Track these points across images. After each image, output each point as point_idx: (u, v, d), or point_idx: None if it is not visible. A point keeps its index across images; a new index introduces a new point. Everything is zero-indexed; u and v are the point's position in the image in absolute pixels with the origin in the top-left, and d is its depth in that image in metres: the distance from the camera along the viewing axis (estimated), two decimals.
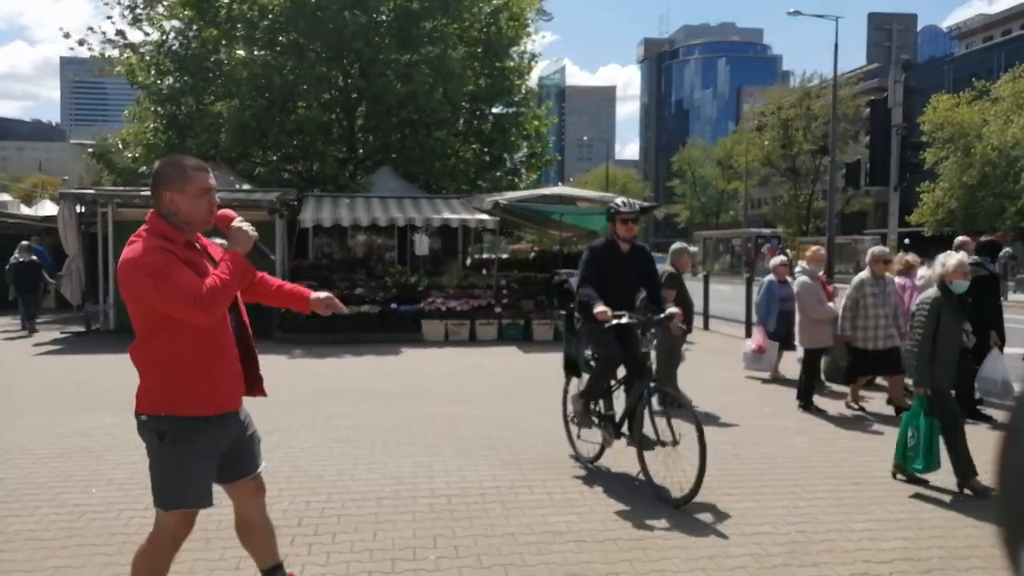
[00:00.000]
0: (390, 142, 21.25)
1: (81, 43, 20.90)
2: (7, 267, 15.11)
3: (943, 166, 36.10)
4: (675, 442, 4.98)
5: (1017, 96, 33.65)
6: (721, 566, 3.98)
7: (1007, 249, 26.29)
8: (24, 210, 23.11)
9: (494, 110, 22.98)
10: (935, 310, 5.24)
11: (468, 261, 19.21)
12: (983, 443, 5.35)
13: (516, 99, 22.63)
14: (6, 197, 25.65)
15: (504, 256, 23.82)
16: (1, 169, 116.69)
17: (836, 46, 30.92)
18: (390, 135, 21.04)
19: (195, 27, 20.17)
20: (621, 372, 5.63)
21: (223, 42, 19.93)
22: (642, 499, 4.99)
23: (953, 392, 5.45)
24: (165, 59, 20.10)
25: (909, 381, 8.05)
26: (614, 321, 5.11)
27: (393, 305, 13.79)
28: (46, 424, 7.01)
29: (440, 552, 4.12)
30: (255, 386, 3.28)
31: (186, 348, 2.86)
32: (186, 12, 19.89)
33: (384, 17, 20.17)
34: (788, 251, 27.76)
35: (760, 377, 9.70)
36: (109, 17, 20.85)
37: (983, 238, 8.44)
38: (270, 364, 10.98)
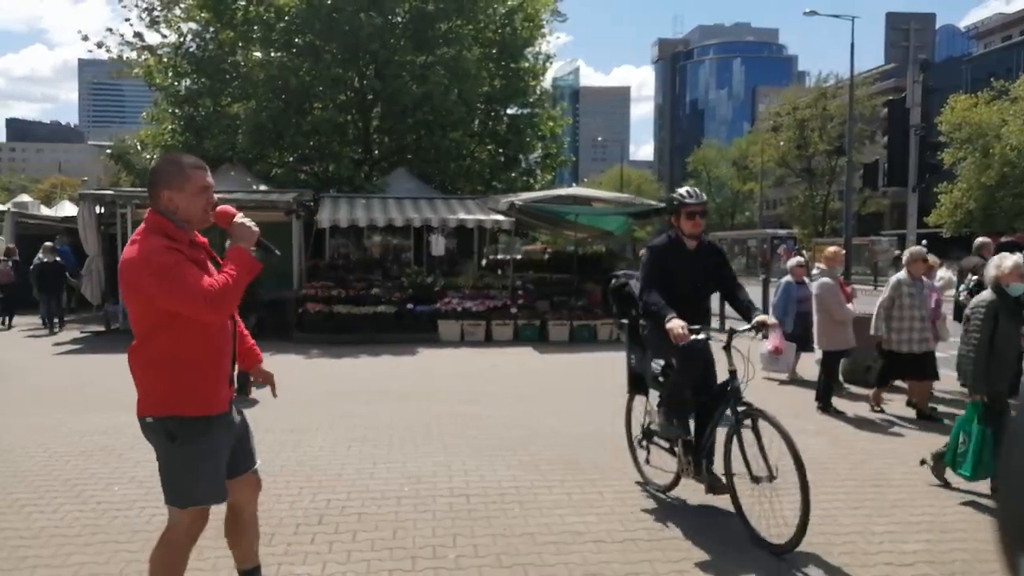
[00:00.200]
0: (406, 143, 21.30)
1: (99, 45, 21.10)
2: (31, 267, 15.31)
3: (961, 167, 35.81)
4: (771, 476, 4.20)
5: None
6: (741, 567, 3.97)
7: None
8: (44, 211, 23.35)
9: (509, 111, 23.01)
10: (991, 313, 5.09)
11: (483, 262, 19.22)
12: None
13: (531, 100, 22.65)
14: (26, 198, 25.93)
15: (519, 257, 23.81)
16: (21, 170, 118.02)
17: (852, 46, 30.73)
18: (406, 136, 21.10)
19: (212, 29, 20.30)
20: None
21: (240, 44, 20.07)
22: (661, 501, 4.99)
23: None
24: (182, 61, 20.26)
25: (946, 386, 8.02)
26: (692, 338, 4.35)
27: (409, 305, 13.84)
28: (66, 422, 7.08)
29: (460, 551, 4.13)
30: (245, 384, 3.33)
31: (192, 347, 2.86)
32: (203, 14, 20.03)
33: (399, 19, 20.24)
34: (804, 252, 27.63)
35: (777, 378, 9.66)
36: (127, 19, 20.99)
37: (1003, 239, 8.37)
38: (288, 364, 11.16)
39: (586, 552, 4.13)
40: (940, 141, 35.34)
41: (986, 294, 5.27)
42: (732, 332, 4.58)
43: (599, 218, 17.38)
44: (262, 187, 17.11)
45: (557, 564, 3.97)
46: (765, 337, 5.12)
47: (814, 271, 8.41)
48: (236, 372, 8.13)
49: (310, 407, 7.85)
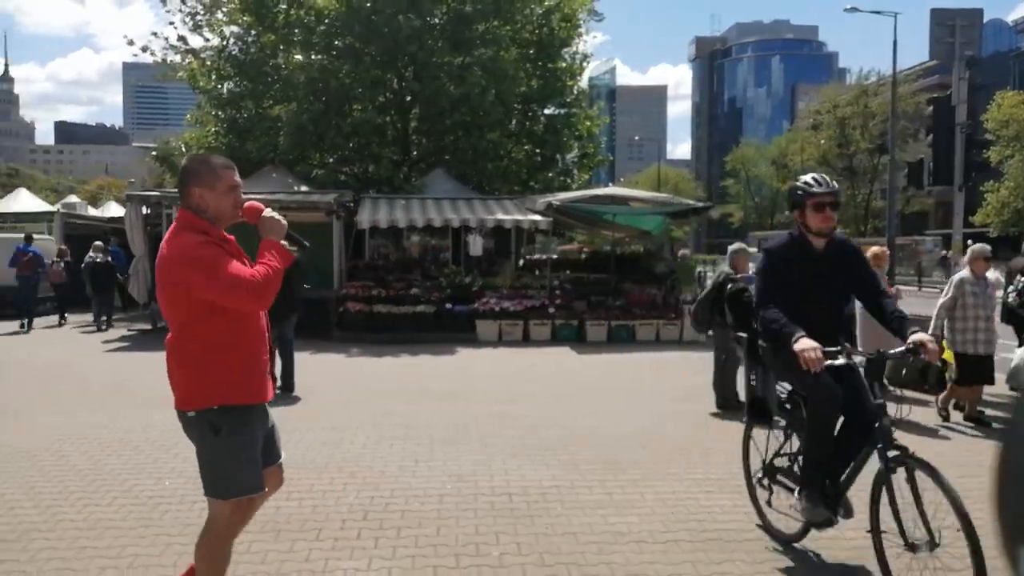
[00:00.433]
0: (443, 144, 21.44)
1: (144, 49, 21.58)
2: (83, 266, 15.79)
3: (1008, 164, 34.97)
4: (932, 543, 3.35)
5: None
6: (786, 570, 3.95)
7: None
8: (91, 211, 23.96)
9: (546, 111, 23.03)
10: None
11: (521, 262, 19.27)
12: None
13: (568, 100, 22.65)
14: (74, 199, 26.64)
15: (555, 256, 23.81)
16: (68, 172, 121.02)
17: (895, 42, 30.20)
18: (443, 137, 21.23)
19: (254, 32, 20.64)
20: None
21: (281, 47, 20.37)
22: (703, 503, 4.97)
23: None
24: (225, 64, 20.62)
25: (993, 389, 7.85)
26: (828, 363, 3.55)
27: (448, 305, 13.93)
28: (116, 418, 7.28)
29: (503, 549, 4.17)
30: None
31: (230, 337, 2.94)
32: (245, 18, 20.37)
33: (437, 20, 20.37)
34: None
35: None
36: (171, 23, 21.46)
37: None
38: (329, 362, 11.31)
39: (628, 552, 4.14)
40: (986, 139, 34.56)
41: None
42: (882, 357, 3.76)
43: (637, 218, 17.32)
44: (303, 188, 17.35)
45: (599, 564, 3.99)
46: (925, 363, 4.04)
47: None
48: (281, 370, 8.32)
49: (352, 405, 7.97)
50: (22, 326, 15.15)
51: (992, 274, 9.41)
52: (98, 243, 16.24)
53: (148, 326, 14.81)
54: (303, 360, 10.72)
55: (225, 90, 20.99)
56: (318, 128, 18.66)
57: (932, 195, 49.67)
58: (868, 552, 3.80)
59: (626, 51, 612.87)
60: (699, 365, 10.53)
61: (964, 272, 7.42)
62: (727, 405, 7.75)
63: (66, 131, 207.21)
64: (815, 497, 3.82)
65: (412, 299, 14.04)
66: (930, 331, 7.39)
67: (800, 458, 4.02)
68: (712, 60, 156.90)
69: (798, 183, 4.07)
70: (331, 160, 21.14)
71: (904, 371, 8.29)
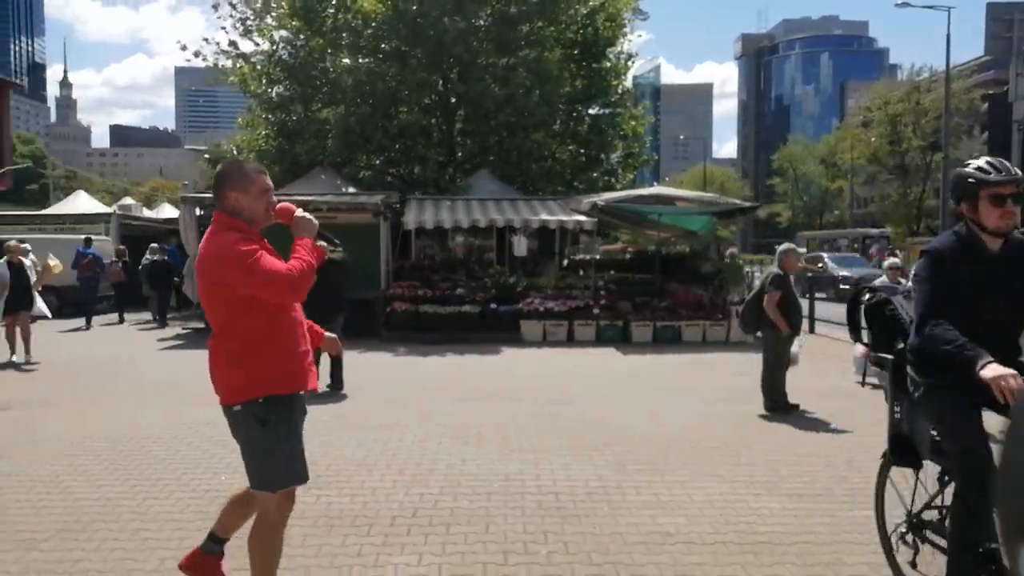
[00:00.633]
0: (488, 145, 21.53)
1: (196, 54, 22.09)
2: (140, 266, 16.35)
3: None
4: None
5: None
6: (838, 574, 3.91)
7: None
8: (146, 213, 24.63)
9: (591, 111, 22.99)
10: None
11: (565, 262, 19.27)
12: None
13: (612, 99, 22.58)
14: (129, 201, 27.41)
15: (599, 257, 23.75)
16: (123, 174, 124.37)
17: (948, 38, 29.47)
18: (488, 138, 21.33)
19: (302, 37, 20.99)
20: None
21: (328, 50, 20.67)
22: (752, 505, 4.94)
23: None
24: (275, 68, 21.01)
25: None
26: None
27: (492, 305, 14.00)
28: (173, 414, 7.49)
29: (551, 547, 4.20)
30: None
31: (269, 330, 3.05)
32: (294, 23, 20.72)
33: (482, 22, 20.47)
34: (898, 252, 26.64)
35: (871, 383, 9.37)
36: (223, 28, 21.98)
37: None
38: (377, 361, 11.46)
39: (676, 553, 4.13)
40: None
41: None
42: None
43: (683, 217, 17.19)
44: (351, 189, 17.60)
45: (647, 564, 3.99)
46: None
47: (912, 272, 8.14)
48: (330, 369, 8.45)
49: (400, 403, 8.08)
50: (87, 323, 15.79)
51: None
52: (154, 244, 16.79)
53: (201, 325, 15.16)
54: (352, 359, 10.88)
55: (275, 94, 21.37)
56: (365, 130, 18.89)
57: None
58: None
59: (671, 49, 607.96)
60: (746, 366, 10.43)
61: None
62: (776, 407, 7.67)
63: (121, 134, 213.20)
64: (964, 539, 2.94)
65: (457, 299, 14.15)
66: None
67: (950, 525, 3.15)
68: (759, 57, 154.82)
69: (967, 169, 3.22)
70: (378, 162, 21.38)
71: None
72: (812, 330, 14.58)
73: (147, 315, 17.12)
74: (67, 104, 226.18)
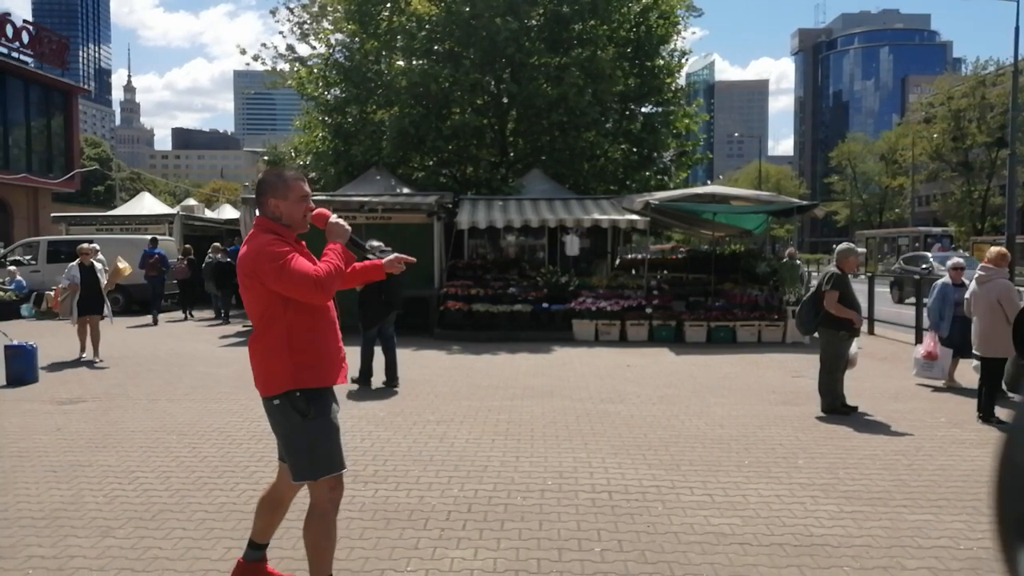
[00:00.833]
0: (540, 144, 21.55)
1: (255, 58, 22.63)
2: (203, 265, 16.92)
3: None
4: None
5: None
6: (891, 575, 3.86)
7: None
8: (208, 213, 25.32)
9: (643, 109, 22.82)
10: None
11: (617, 261, 19.20)
12: None
13: (666, 97, 22.38)
14: (192, 202, 28.20)
15: (652, 256, 23.62)
16: (185, 175, 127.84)
17: (1017, 29, 28.38)
18: (540, 137, 21.36)
19: (358, 40, 21.28)
20: None
21: (383, 53, 20.94)
22: (809, 508, 4.89)
23: None
24: (331, 71, 21.36)
25: None
26: None
27: (544, 304, 14.04)
28: (237, 408, 7.72)
29: (604, 545, 4.23)
30: None
31: (305, 327, 3.21)
32: (349, 26, 21.04)
33: (535, 22, 20.50)
34: (962, 251, 25.85)
35: (932, 385, 9.17)
36: (280, 33, 22.47)
37: None
38: (431, 358, 11.60)
39: (731, 554, 4.13)
40: None
41: None
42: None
43: (738, 216, 16.99)
44: (405, 190, 17.81)
45: (702, 564, 3.99)
46: None
47: (978, 272, 7.91)
48: (385, 365, 8.61)
49: (454, 400, 8.18)
50: (154, 320, 16.46)
51: None
52: (216, 244, 17.34)
53: None
54: (407, 356, 11.06)
55: (331, 96, 21.72)
56: (419, 131, 19.08)
57: None
58: None
59: (726, 46, 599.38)
60: (803, 367, 10.29)
61: None
62: (834, 409, 7.55)
63: (182, 137, 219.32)
64: None
65: (509, 298, 14.23)
66: None
67: None
68: (816, 53, 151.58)
69: None
70: (432, 162, 21.58)
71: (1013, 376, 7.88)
72: (872, 331, 14.28)
73: (210, 312, 17.71)
74: (131, 108, 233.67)
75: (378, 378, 9.14)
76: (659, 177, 22.60)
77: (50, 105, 39.14)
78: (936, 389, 9.03)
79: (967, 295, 7.94)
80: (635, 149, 22.26)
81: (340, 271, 3.19)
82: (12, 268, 18.76)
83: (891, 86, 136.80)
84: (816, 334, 8.03)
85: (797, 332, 10.95)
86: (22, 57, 35.96)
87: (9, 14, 35.73)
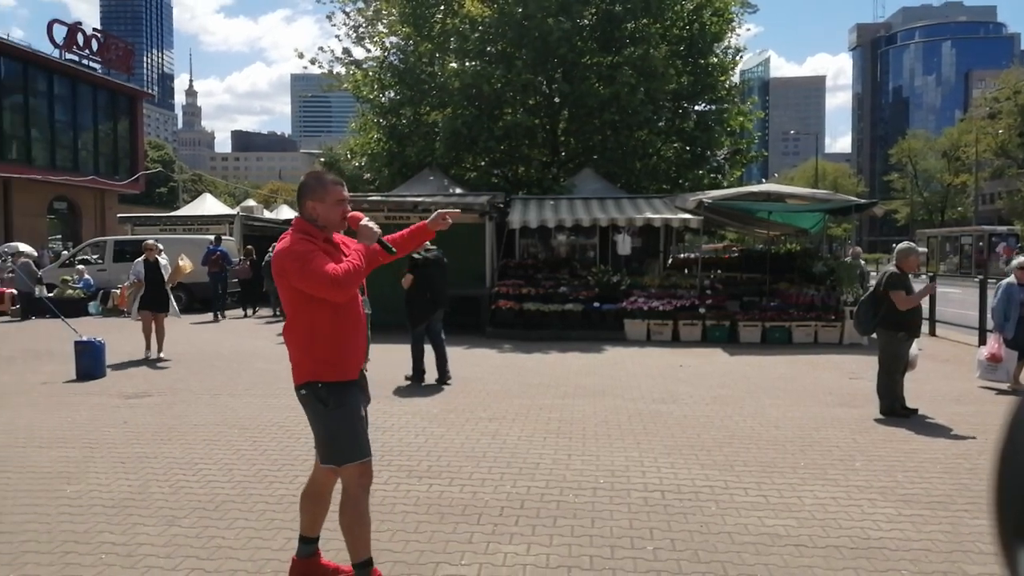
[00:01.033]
0: (592, 144, 21.50)
1: (313, 62, 23.05)
2: (263, 264, 17.40)
3: None
4: None
5: None
6: None
7: None
8: (266, 214, 25.92)
9: (697, 107, 22.59)
10: None
11: (669, 260, 19.05)
12: None
13: (720, 95, 22.11)
14: (251, 203, 28.92)
15: (705, 255, 23.38)
16: (244, 177, 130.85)
17: None
18: (592, 137, 21.30)
19: (412, 42, 21.54)
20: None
21: (437, 55, 21.16)
22: (866, 511, 4.82)
23: None
24: (386, 74, 21.65)
25: None
26: None
27: (596, 304, 14.02)
28: (295, 404, 7.81)
29: (657, 544, 4.23)
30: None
31: (328, 322, 3.36)
32: (404, 29, 21.30)
33: (587, 21, 20.46)
34: None
35: (996, 388, 8.90)
36: (336, 36, 22.86)
37: None
38: (482, 357, 11.70)
39: (786, 555, 4.09)
40: None
41: None
42: None
43: (794, 215, 16.71)
44: (458, 190, 17.97)
45: (756, 565, 3.97)
46: None
47: None
48: (436, 362, 8.79)
49: (506, 398, 8.24)
50: (215, 317, 17.04)
51: None
52: (276, 244, 17.82)
53: None
54: (459, 355, 11.18)
55: (386, 99, 22.02)
56: (471, 132, 19.21)
57: None
58: None
59: (781, 42, 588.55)
60: (861, 369, 10.09)
61: None
62: (893, 411, 7.40)
63: (242, 139, 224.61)
64: None
65: (560, 297, 14.24)
66: None
67: None
68: (875, 48, 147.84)
69: None
70: (484, 163, 21.70)
71: None
72: (933, 332, 13.91)
73: (268, 311, 18.16)
74: (192, 111, 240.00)
75: (431, 375, 9.28)
76: (712, 176, 22.36)
77: (116, 109, 40.48)
78: (1000, 392, 8.77)
79: None
80: (688, 148, 22.05)
81: (359, 270, 3.31)
82: (80, 267, 19.50)
83: (954, 81, 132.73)
84: (875, 335, 7.87)
85: (855, 333, 10.74)
86: (91, 64, 37.27)
87: (80, 23, 37.06)
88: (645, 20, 20.10)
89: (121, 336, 13.04)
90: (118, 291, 17.41)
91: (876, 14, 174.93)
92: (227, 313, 17.97)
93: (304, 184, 3.54)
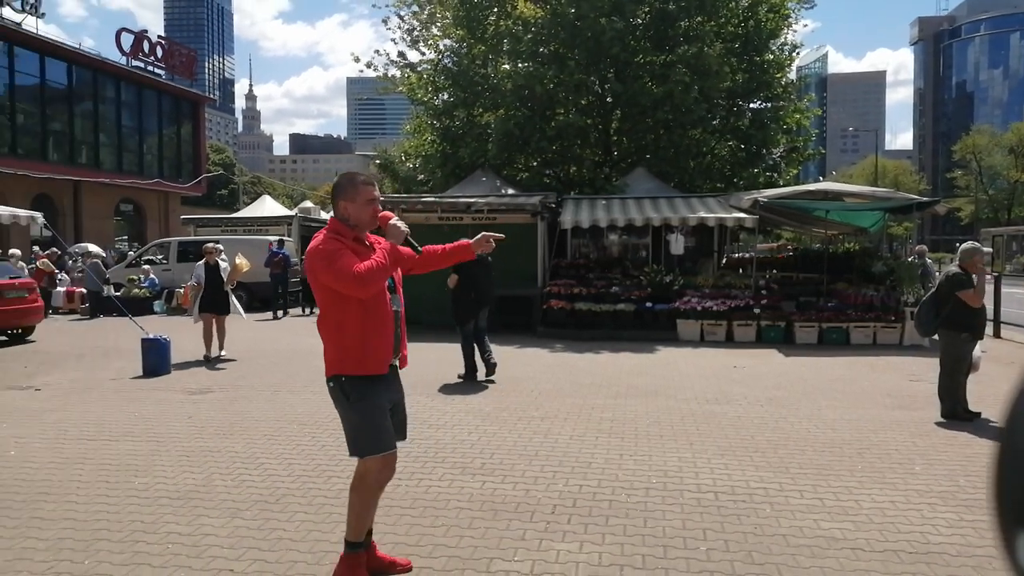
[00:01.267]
0: (645, 143, 21.35)
1: (368, 65, 23.37)
2: None
3: None
4: None
5: None
6: None
7: None
8: (323, 215, 26.42)
9: (752, 105, 22.26)
10: None
11: (723, 260, 18.83)
12: None
13: (775, 92, 21.74)
14: (308, 204, 29.52)
15: (760, 255, 23.04)
16: (301, 179, 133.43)
17: None
18: (645, 136, 21.16)
19: (465, 45, 21.69)
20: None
21: (490, 57, 21.27)
22: (926, 515, 4.73)
23: None
24: (440, 76, 21.85)
25: None
26: None
27: (648, 304, 13.95)
28: None
29: (710, 545, 4.22)
30: (402, 361, 3.81)
31: (359, 317, 3.47)
32: (458, 31, 21.48)
33: (640, 20, 20.33)
34: None
35: None
36: (392, 39, 23.13)
37: None
38: (534, 356, 11.76)
39: (843, 558, 4.05)
40: None
41: None
42: None
43: (852, 214, 16.36)
44: (510, 191, 18.04)
45: (812, 568, 3.93)
46: None
47: None
48: (480, 356, 8.94)
49: (557, 397, 8.27)
50: (275, 315, 17.57)
51: None
52: None
53: None
54: (510, 354, 11.27)
55: (439, 101, 22.22)
56: (524, 133, 19.27)
57: None
58: None
59: (840, 37, 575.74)
60: (922, 371, 9.85)
61: None
62: (955, 414, 7.22)
63: (299, 142, 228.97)
64: None
65: (612, 297, 14.21)
66: None
67: None
68: (938, 41, 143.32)
69: None
70: (536, 163, 21.73)
71: None
72: (997, 334, 13.48)
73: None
74: (252, 115, 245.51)
75: (482, 372, 9.39)
76: (768, 174, 21.99)
77: (180, 114, 41.71)
78: None
79: None
80: (743, 146, 21.73)
81: (383, 267, 3.40)
82: (146, 267, 20.16)
83: (1022, 74, 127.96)
84: (936, 336, 7.69)
85: (916, 334, 10.49)
86: (156, 70, 38.46)
87: (146, 31, 38.29)
88: (699, 18, 19.89)
89: (184, 334, 13.44)
90: (182, 290, 17.94)
91: (939, 7, 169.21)
92: (289, 311, 18.50)
93: (337, 184, 3.68)
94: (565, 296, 14.25)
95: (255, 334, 14.59)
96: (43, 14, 31.35)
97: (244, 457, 5.98)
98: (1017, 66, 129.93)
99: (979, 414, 7.26)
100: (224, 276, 11.72)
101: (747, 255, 20.02)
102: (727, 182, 20.87)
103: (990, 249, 37.54)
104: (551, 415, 7.39)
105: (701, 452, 6.08)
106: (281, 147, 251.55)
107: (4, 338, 13.87)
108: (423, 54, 22.88)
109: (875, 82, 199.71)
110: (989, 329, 12.29)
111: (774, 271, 16.68)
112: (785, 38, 22.17)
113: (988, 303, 8.60)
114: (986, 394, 8.13)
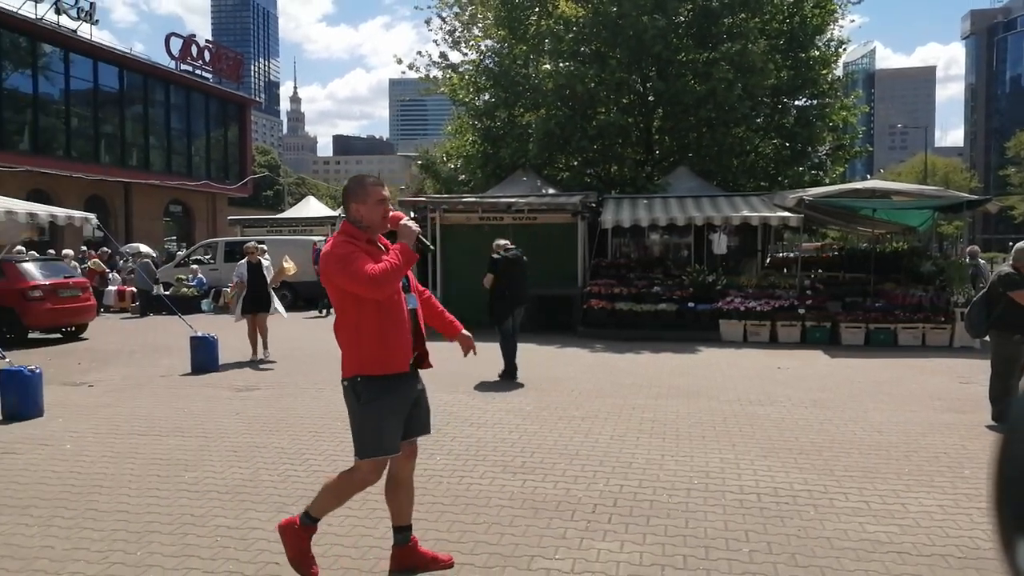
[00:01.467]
0: (687, 141, 21.18)
1: (411, 67, 23.57)
2: None
3: None
4: None
5: None
6: None
7: None
8: None
9: (797, 103, 21.92)
10: None
11: (767, 260, 18.58)
12: None
13: (821, 89, 21.38)
14: None
15: (804, 254, 22.69)
16: (344, 180, 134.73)
17: None
18: (687, 134, 20.98)
19: (506, 45, 21.73)
20: None
21: (531, 57, 21.27)
22: (977, 519, 4.62)
23: None
24: (481, 76, 21.94)
25: None
26: None
27: (690, 304, 13.84)
28: None
29: (752, 546, 4.19)
30: (423, 359, 3.81)
31: (370, 319, 3.51)
32: (499, 32, 21.53)
33: (683, 18, 20.16)
34: None
35: None
36: (434, 41, 23.31)
37: None
38: (574, 356, 11.77)
39: (888, 562, 3.99)
40: None
41: None
42: None
43: (900, 213, 16.02)
44: (551, 190, 18.04)
45: (856, 571, 3.88)
46: None
47: None
48: (513, 358, 8.95)
49: (598, 397, 8.27)
50: (320, 312, 17.98)
51: None
52: None
53: None
54: (550, 354, 11.29)
55: (481, 101, 22.31)
56: (565, 132, 19.24)
57: None
58: None
59: (888, 32, 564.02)
60: (972, 373, 9.63)
61: None
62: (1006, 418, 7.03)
63: (342, 143, 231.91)
64: None
65: (653, 297, 14.12)
66: None
67: None
68: (991, 35, 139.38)
69: None
70: (577, 163, 21.68)
71: None
72: None
73: None
74: (296, 117, 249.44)
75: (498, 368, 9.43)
76: (813, 172, 21.65)
77: (226, 117, 42.54)
78: None
79: None
80: (787, 144, 21.41)
81: (396, 268, 3.43)
82: (194, 267, 20.62)
83: None
84: (987, 337, 7.51)
85: (966, 335, 10.25)
86: (203, 73, 39.28)
87: (194, 35, 39.12)
88: (743, 15, 19.64)
89: (231, 332, 13.70)
90: (228, 289, 18.30)
91: (992, 0, 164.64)
92: (332, 309, 18.79)
93: (347, 188, 3.73)
94: (606, 296, 14.21)
95: (301, 332, 14.83)
96: (97, 21, 32.19)
97: (290, 453, 6.10)
98: None
99: None
100: (267, 275, 11.72)
101: (791, 254, 19.73)
102: (771, 181, 20.59)
103: None
104: (592, 415, 7.39)
105: (744, 453, 6.03)
106: (325, 148, 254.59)
107: (59, 336, 14.31)
108: (464, 55, 23.01)
109: (925, 78, 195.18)
110: None
111: (819, 271, 16.43)
112: (831, 34, 21.81)
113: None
114: None
